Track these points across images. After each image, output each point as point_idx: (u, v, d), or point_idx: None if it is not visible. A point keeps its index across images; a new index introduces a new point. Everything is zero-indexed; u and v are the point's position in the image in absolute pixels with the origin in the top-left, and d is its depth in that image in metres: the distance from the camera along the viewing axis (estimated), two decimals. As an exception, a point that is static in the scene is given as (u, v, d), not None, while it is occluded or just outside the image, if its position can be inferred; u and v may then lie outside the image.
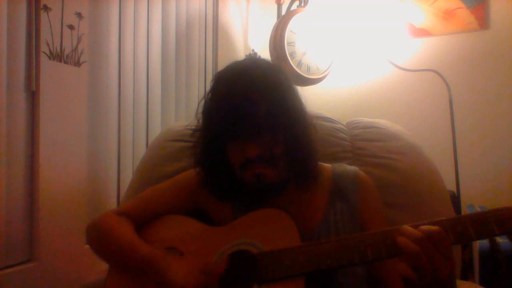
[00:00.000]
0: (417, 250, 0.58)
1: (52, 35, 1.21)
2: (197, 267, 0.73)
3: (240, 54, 2.27)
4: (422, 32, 2.00)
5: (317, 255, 0.68)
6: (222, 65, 2.27)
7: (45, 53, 1.19)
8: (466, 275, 1.47)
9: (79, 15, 1.29)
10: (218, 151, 0.83)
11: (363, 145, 1.13)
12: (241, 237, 0.78)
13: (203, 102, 0.86)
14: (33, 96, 1.19)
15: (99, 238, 0.86)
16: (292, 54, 1.93)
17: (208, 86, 2.12)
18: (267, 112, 0.75)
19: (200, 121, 0.87)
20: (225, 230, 0.82)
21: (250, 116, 0.75)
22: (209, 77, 2.06)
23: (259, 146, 0.77)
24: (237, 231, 0.80)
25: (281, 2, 2.12)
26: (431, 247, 0.58)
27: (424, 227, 0.60)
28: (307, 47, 1.98)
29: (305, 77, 1.95)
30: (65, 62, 1.25)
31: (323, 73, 2.02)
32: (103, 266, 0.89)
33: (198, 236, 0.83)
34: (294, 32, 1.94)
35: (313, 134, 0.84)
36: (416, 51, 2.01)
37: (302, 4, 2.03)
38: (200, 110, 0.86)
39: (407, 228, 0.62)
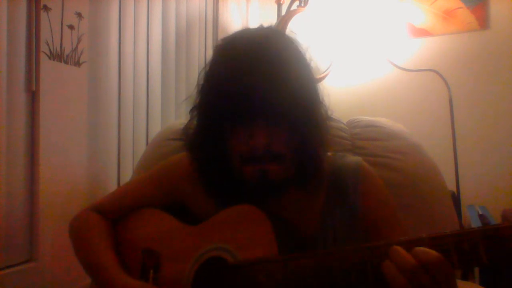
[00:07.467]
0: (404, 284, 0.48)
1: (52, 35, 1.20)
2: None
3: (240, 54, 2.27)
4: (422, 32, 2.00)
5: (296, 272, 0.59)
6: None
7: (45, 53, 1.19)
8: (466, 275, 1.47)
9: (79, 15, 1.29)
10: (218, 135, 0.69)
11: (363, 144, 1.13)
12: (215, 239, 0.71)
13: (202, 73, 0.72)
14: (33, 96, 1.19)
15: (75, 242, 0.84)
16: (292, 54, 1.93)
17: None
18: (288, 97, 0.62)
19: (198, 97, 0.73)
20: (200, 231, 0.75)
21: (268, 97, 0.61)
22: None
23: (270, 135, 0.64)
24: (212, 232, 0.73)
25: (281, 2, 2.12)
26: (426, 278, 0.48)
27: (419, 251, 0.49)
28: (306, 47, 1.98)
29: (305, 77, 1.95)
30: (65, 62, 1.25)
31: (323, 73, 2.02)
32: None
33: (174, 237, 0.77)
34: (294, 32, 1.94)
35: (327, 132, 0.73)
36: (416, 51, 2.01)
37: (302, 4, 2.03)
38: (200, 82, 0.72)
39: (398, 251, 0.50)
